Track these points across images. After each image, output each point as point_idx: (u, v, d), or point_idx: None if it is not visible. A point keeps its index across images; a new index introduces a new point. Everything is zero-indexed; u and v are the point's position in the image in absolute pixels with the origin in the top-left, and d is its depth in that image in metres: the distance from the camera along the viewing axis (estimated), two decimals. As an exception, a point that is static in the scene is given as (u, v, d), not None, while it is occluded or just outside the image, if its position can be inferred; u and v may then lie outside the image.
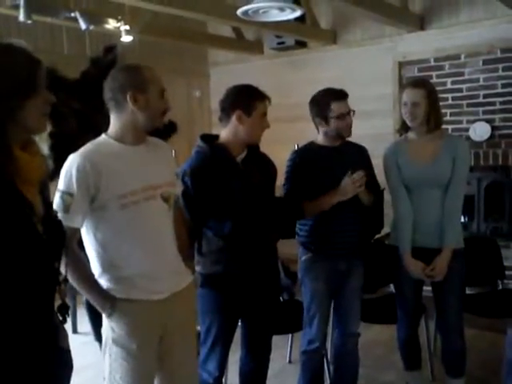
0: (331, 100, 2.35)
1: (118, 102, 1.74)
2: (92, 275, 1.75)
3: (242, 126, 2.11)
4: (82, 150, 1.72)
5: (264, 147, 2.30)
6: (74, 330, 3.88)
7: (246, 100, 2.11)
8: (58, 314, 1.35)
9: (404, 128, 2.51)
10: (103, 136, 1.79)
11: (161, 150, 1.92)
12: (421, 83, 2.49)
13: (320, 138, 2.47)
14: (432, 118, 2.40)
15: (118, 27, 4.03)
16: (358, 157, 2.52)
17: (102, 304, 1.74)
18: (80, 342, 3.30)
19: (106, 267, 1.75)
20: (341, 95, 2.38)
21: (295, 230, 2.56)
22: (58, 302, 1.36)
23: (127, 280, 1.75)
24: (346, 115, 2.37)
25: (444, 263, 2.39)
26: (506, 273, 3.38)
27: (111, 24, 4.07)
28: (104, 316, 1.78)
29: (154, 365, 1.84)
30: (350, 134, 2.43)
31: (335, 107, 2.34)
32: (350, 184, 2.30)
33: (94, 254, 1.76)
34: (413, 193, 2.47)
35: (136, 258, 1.75)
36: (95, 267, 1.76)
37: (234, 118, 2.11)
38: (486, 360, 3.12)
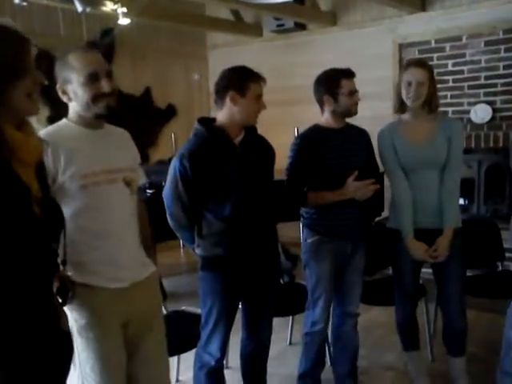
0: (341, 77, 2.37)
1: None
2: None
3: (237, 107, 2.09)
4: (42, 131, 1.69)
5: (262, 130, 2.28)
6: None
7: (239, 80, 2.08)
8: (58, 297, 1.35)
9: (401, 109, 2.49)
10: (64, 120, 1.76)
11: (121, 137, 1.89)
12: (424, 63, 2.48)
13: (325, 120, 2.46)
14: (434, 100, 2.40)
15: (115, 9, 3.97)
16: (361, 139, 2.53)
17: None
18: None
19: (68, 253, 1.67)
20: (350, 73, 2.41)
21: (300, 213, 2.55)
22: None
23: (88, 265, 1.71)
24: (354, 93, 2.40)
25: (446, 243, 2.40)
26: (506, 255, 3.39)
27: (108, 6, 4.01)
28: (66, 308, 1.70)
29: (122, 354, 1.78)
30: (356, 112, 2.44)
31: (345, 84, 2.37)
32: (354, 188, 2.34)
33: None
34: (410, 174, 2.46)
35: (97, 242, 1.71)
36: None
37: (228, 100, 2.09)
38: (486, 340, 3.14)
